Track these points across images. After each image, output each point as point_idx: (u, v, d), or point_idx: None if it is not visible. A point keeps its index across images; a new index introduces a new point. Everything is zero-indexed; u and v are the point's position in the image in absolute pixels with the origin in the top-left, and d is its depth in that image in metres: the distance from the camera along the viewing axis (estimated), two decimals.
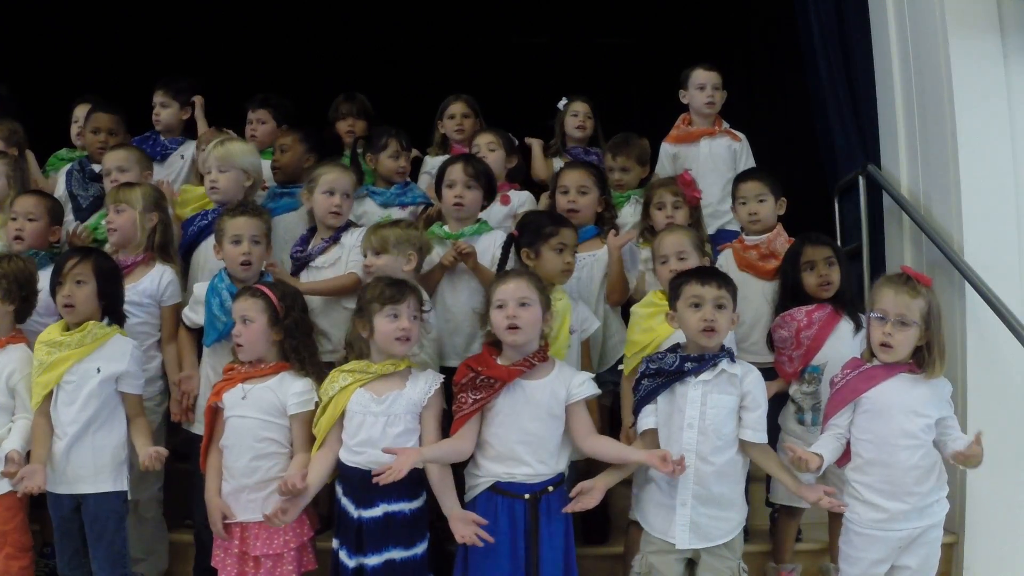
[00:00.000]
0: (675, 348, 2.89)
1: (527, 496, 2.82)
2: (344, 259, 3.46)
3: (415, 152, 4.32)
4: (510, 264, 3.31)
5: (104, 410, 3.00)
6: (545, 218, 3.35)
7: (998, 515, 3.45)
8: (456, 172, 3.53)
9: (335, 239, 3.51)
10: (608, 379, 3.42)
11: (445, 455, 2.85)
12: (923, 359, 2.81)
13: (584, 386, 2.89)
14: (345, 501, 2.86)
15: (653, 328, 3.15)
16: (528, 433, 2.83)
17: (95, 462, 2.98)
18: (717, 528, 2.81)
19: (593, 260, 3.53)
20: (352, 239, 3.47)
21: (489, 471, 2.84)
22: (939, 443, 2.83)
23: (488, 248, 3.42)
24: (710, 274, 2.90)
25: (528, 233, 3.27)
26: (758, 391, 2.83)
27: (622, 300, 3.49)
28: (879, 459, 2.78)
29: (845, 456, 2.86)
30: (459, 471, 2.94)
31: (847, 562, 2.86)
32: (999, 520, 3.44)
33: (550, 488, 2.85)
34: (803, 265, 3.28)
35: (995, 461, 3.44)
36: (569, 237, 3.24)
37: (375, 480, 2.66)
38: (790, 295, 3.31)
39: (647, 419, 2.86)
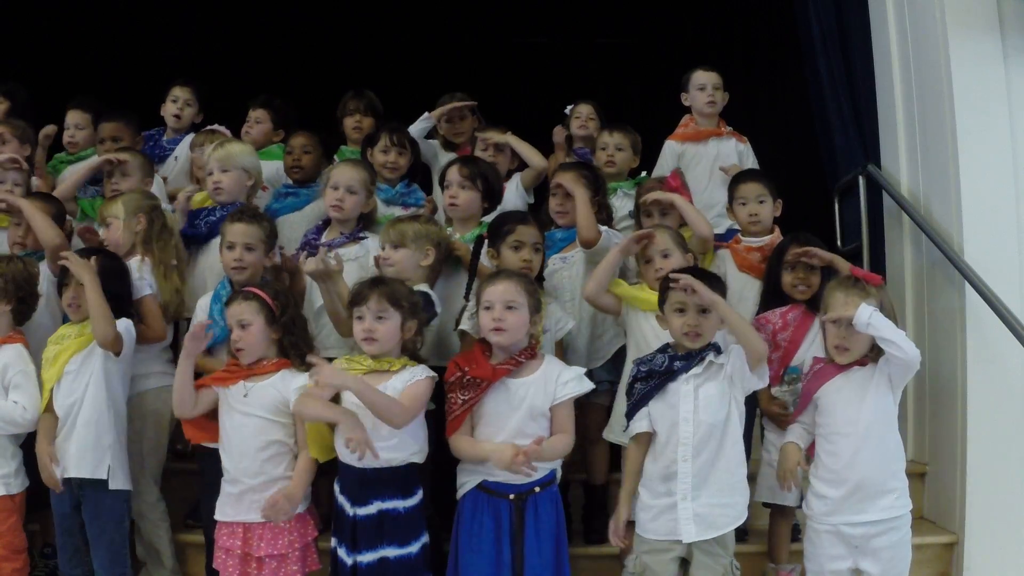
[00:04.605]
0: (664, 348, 2.90)
1: (512, 496, 2.81)
2: (366, 261, 3.43)
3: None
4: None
5: (100, 392, 3.05)
6: (506, 217, 3.35)
7: (998, 515, 3.44)
8: (452, 173, 3.53)
9: (356, 237, 3.52)
10: (604, 378, 3.40)
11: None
12: (878, 354, 2.87)
13: (569, 385, 2.86)
14: (342, 499, 2.86)
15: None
16: (514, 432, 2.81)
17: (91, 442, 3.02)
18: (724, 515, 2.81)
19: (582, 258, 3.49)
20: (375, 244, 3.42)
21: (477, 469, 2.84)
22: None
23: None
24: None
25: (491, 232, 3.29)
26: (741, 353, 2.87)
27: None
28: (827, 450, 2.87)
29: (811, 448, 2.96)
30: (452, 469, 2.94)
31: (808, 560, 2.93)
32: (999, 520, 3.44)
33: (537, 489, 2.84)
34: (785, 263, 3.30)
35: (995, 461, 3.45)
36: (527, 234, 3.21)
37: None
38: (772, 292, 3.34)
39: (640, 423, 2.86)
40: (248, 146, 3.81)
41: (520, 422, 2.82)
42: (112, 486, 3.05)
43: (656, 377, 2.84)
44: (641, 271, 3.28)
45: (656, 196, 3.37)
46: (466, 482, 2.86)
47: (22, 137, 4.07)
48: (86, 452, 3.03)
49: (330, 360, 3.03)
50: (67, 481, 3.04)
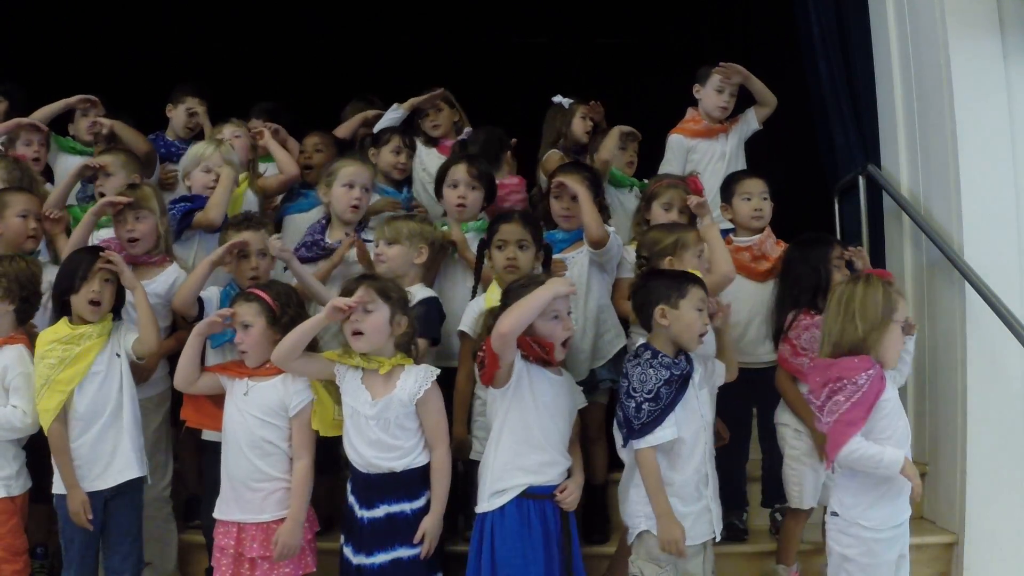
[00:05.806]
0: (655, 352, 2.85)
1: (555, 496, 2.87)
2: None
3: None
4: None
5: (133, 392, 3.08)
6: (494, 218, 3.37)
7: (998, 515, 3.45)
8: (460, 172, 3.53)
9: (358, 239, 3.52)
10: (606, 376, 3.42)
11: None
12: None
13: (582, 396, 3.09)
14: (352, 500, 2.88)
15: None
16: (556, 423, 2.88)
17: (139, 442, 3.05)
18: (720, 509, 2.95)
19: (584, 259, 3.47)
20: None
21: (521, 470, 2.83)
22: None
23: None
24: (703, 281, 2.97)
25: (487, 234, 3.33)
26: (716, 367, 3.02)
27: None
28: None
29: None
30: (457, 468, 2.97)
31: (867, 572, 2.74)
32: (999, 520, 3.44)
33: None
34: (835, 261, 3.30)
35: (995, 461, 3.46)
36: (508, 232, 3.21)
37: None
38: (809, 293, 3.28)
39: (671, 429, 2.78)
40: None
41: (558, 412, 2.89)
42: (150, 482, 3.12)
43: (677, 381, 2.81)
44: (673, 265, 3.18)
45: (704, 204, 3.34)
46: (507, 488, 2.83)
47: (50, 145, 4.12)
48: (137, 452, 3.05)
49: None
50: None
